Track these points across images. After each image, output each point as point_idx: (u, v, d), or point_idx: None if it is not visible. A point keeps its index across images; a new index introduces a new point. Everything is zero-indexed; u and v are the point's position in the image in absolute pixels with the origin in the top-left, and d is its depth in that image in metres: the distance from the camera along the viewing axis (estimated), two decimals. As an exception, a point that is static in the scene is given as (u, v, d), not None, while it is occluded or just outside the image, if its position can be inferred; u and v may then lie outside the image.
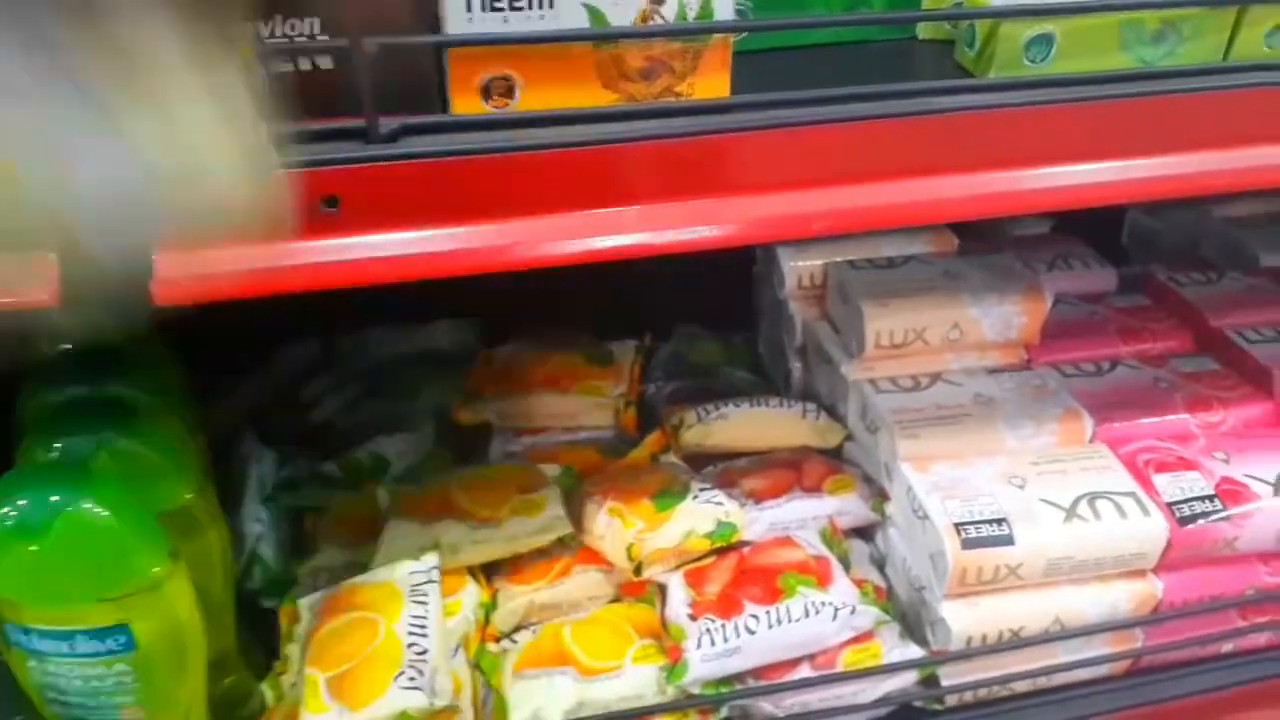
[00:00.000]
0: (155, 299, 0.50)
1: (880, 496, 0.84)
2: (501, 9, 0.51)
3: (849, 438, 0.90)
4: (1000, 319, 0.88)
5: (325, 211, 0.52)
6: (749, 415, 0.89)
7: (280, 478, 0.88)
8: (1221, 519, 0.74)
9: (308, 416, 0.99)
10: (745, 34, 0.59)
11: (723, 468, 0.87)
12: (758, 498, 0.82)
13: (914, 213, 0.59)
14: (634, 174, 0.55)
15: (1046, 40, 0.58)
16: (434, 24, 0.51)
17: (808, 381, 0.98)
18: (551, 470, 0.85)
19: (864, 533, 0.87)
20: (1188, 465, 0.78)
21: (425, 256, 0.53)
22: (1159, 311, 0.96)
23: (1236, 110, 0.61)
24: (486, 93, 0.54)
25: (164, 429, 0.64)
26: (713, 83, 0.56)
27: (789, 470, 0.85)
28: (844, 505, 0.83)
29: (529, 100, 0.54)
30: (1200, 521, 0.74)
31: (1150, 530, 0.73)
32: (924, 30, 0.67)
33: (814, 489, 0.83)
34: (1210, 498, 0.75)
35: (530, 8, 0.51)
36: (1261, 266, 1.01)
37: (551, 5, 0.51)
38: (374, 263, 0.53)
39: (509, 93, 0.54)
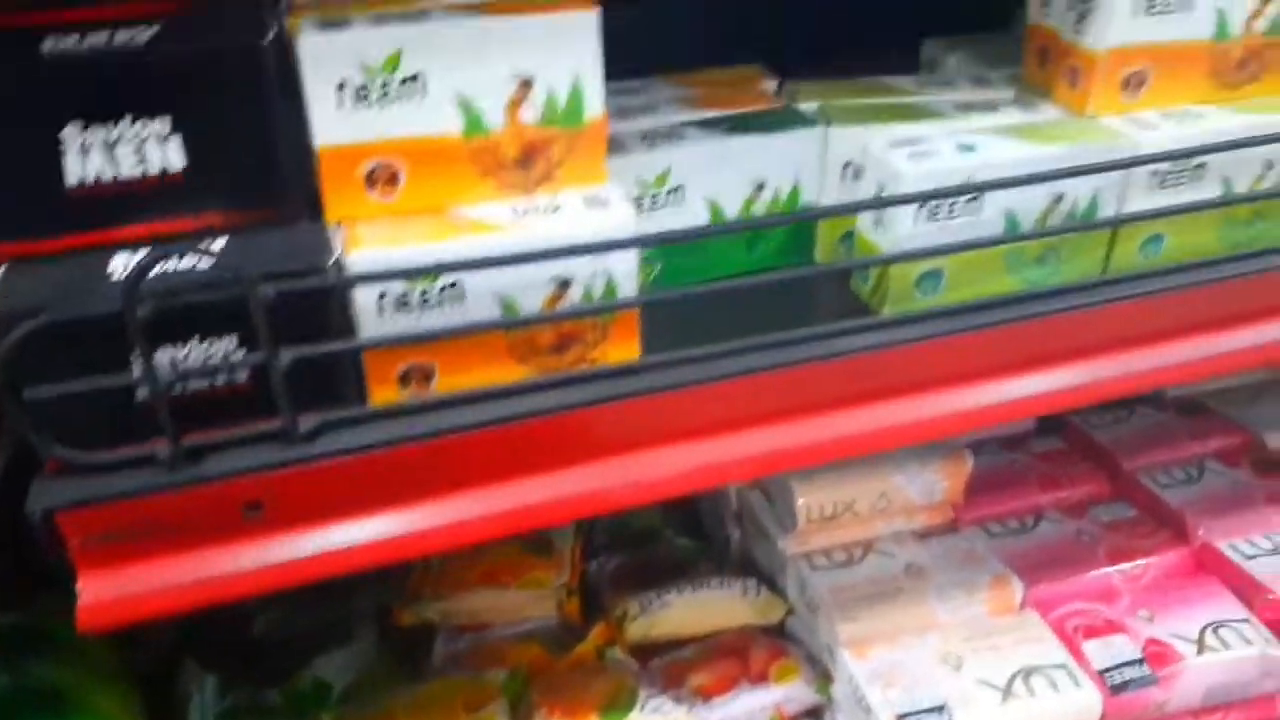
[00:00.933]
0: (80, 625, 0.50)
1: (825, 678, 0.85)
2: (411, 306, 0.53)
3: (790, 612, 0.91)
4: (925, 484, 0.91)
5: (249, 517, 0.52)
6: (691, 601, 0.90)
7: (222, 708, 0.86)
8: (1150, 684, 0.76)
9: (248, 629, 0.98)
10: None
11: (669, 660, 0.87)
12: (706, 694, 0.82)
13: (818, 452, 0.61)
14: (551, 443, 0.56)
15: (936, 275, 0.62)
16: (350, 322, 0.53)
17: (746, 548, 1.00)
18: (498, 676, 0.85)
19: (814, 712, 0.88)
20: (1114, 628, 0.81)
21: (352, 549, 0.54)
22: (1075, 455, 1.00)
23: (1118, 320, 0.64)
24: (405, 380, 0.55)
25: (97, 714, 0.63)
26: (622, 348, 0.58)
27: (735, 659, 0.85)
28: (790, 693, 0.84)
29: (447, 382, 0.55)
30: (1131, 689, 0.76)
31: (1084, 702, 0.75)
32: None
33: (760, 677, 0.84)
34: (1138, 662, 0.77)
35: (441, 304, 0.53)
36: (1169, 399, 1.05)
37: (462, 300, 0.53)
38: (300, 563, 0.53)
39: (427, 379, 0.55)
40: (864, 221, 0.63)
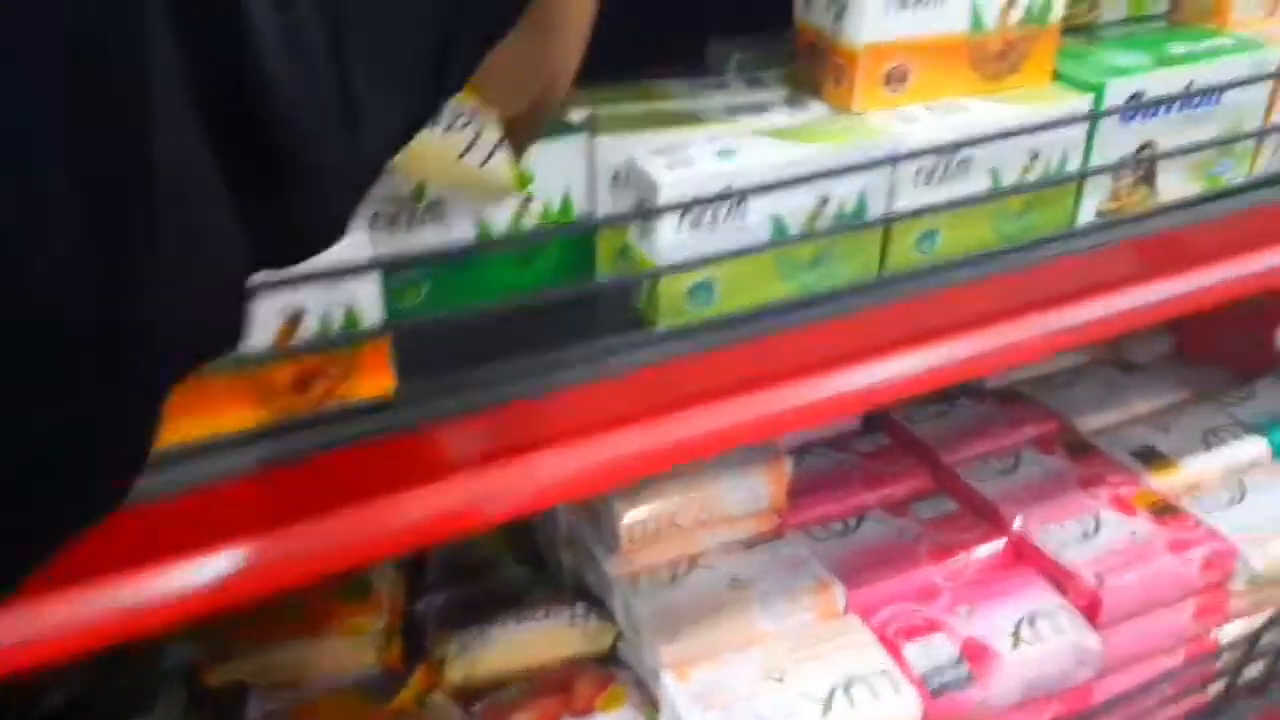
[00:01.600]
0: None
1: (652, 704, 0.82)
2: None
3: (620, 636, 0.88)
4: (746, 491, 0.89)
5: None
6: (515, 634, 0.86)
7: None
8: (969, 684, 0.76)
9: (53, 691, 0.90)
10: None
11: (491, 702, 0.83)
12: (526, 733, 0.79)
13: (592, 479, 0.58)
14: (298, 494, 0.52)
15: (707, 286, 0.60)
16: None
17: (579, 572, 0.97)
18: (310, 736, 0.79)
19: (644, 739, 0.85)
20: (933, 626, 0.80)
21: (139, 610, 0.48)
22: (897, 451, 1.00)
23: (896, 319, 0.64)
24: (120, 434, 0.49)
25: None
26: (374, 381, 0.54)
27: (559, 693, 0.82)
28: (616, 722, 0.81)
29: (172, 433, 0.50)
30: (950, 692, 0.76)
31: (904, 709, 0.74)
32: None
33: (585, 710, 0.81)
34: (956, 662, 0.77)
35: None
36: (987, 389, 1.07)
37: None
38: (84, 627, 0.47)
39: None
40: (633, 234, 0.61)
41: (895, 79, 0.63)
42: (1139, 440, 0.98)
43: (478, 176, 0.51)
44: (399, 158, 0.41)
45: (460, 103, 0.48)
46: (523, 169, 0.56)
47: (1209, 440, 0.97)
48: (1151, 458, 0.95)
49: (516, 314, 0.59)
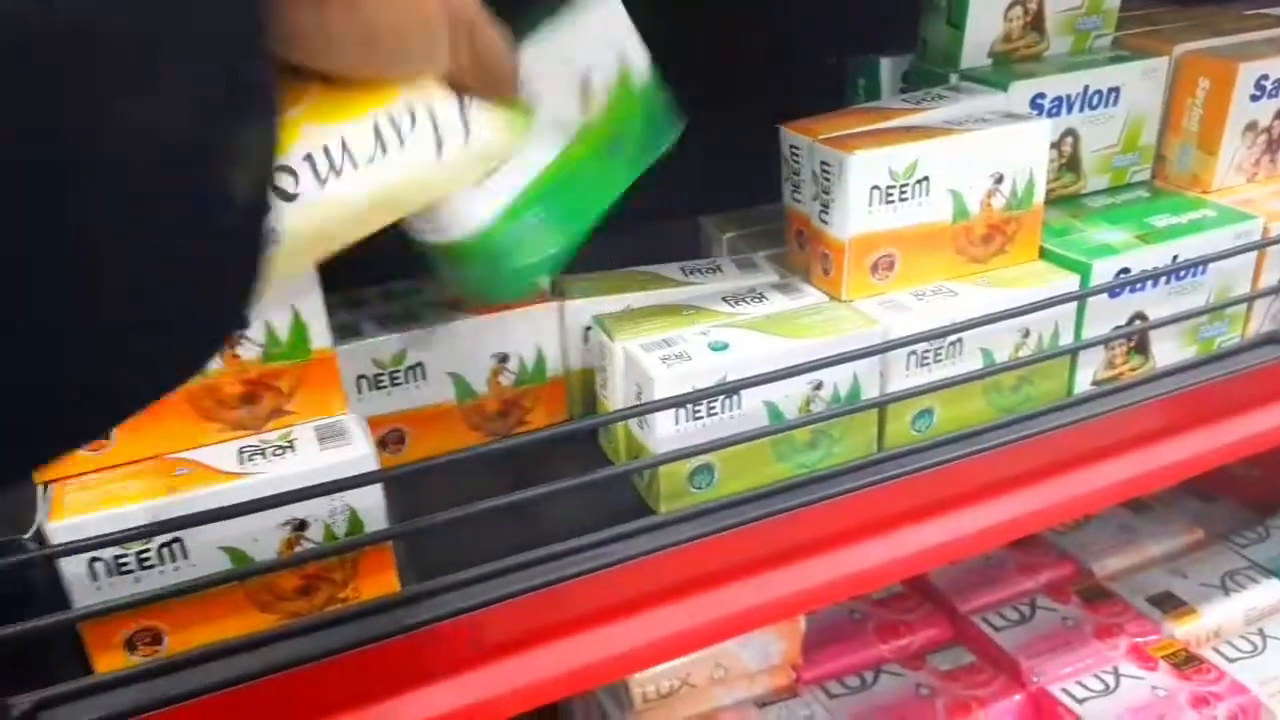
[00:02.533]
0: None
1: None
2: (130, 568, 0.49)
3: (636, 799, 0.87)
4: (760, 647, 0.89)
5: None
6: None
7: None
8: None
9: None
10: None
11: None
12: None
13: (604, 670, 0.58)
14: (310, 694, 0.53)
15: (707, 470, 0.61)
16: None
17: (597, 728, 0.96)
18: None
19: None
20: (952, 793, 0.79)
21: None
22: (913, 599, 0.99)
23: (897, 497, 0.65)
24: (132, 645, 0.51)
25: None
26: (378, 581, 0.55)
27: None
28: None
29: (180, 642, 0.52)
30: None
31: None
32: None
33: None
34: (974, 834, 0.75)
35: (163, 562, 0.50)
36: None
37: (186, 556, 0.50)
38: None
39: (157, 640, 0.51)
40: (631, 421, 0.62)
41: (882, 267, 0.66)
42: (1156, 585, 0.97)
43: (472, 157, 0.44)
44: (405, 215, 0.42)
45: (377, 109, 0.40)
46: (518, 105, 0.47)
47: (1227, 585, 0.96)
48: (1170, 604, 0.94)
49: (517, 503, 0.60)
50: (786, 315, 0.64)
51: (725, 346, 0.60)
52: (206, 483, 0.50)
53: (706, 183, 0.81)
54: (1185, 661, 0.88)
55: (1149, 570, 0.99)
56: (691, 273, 0.72)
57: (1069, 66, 0.75)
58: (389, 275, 0.71)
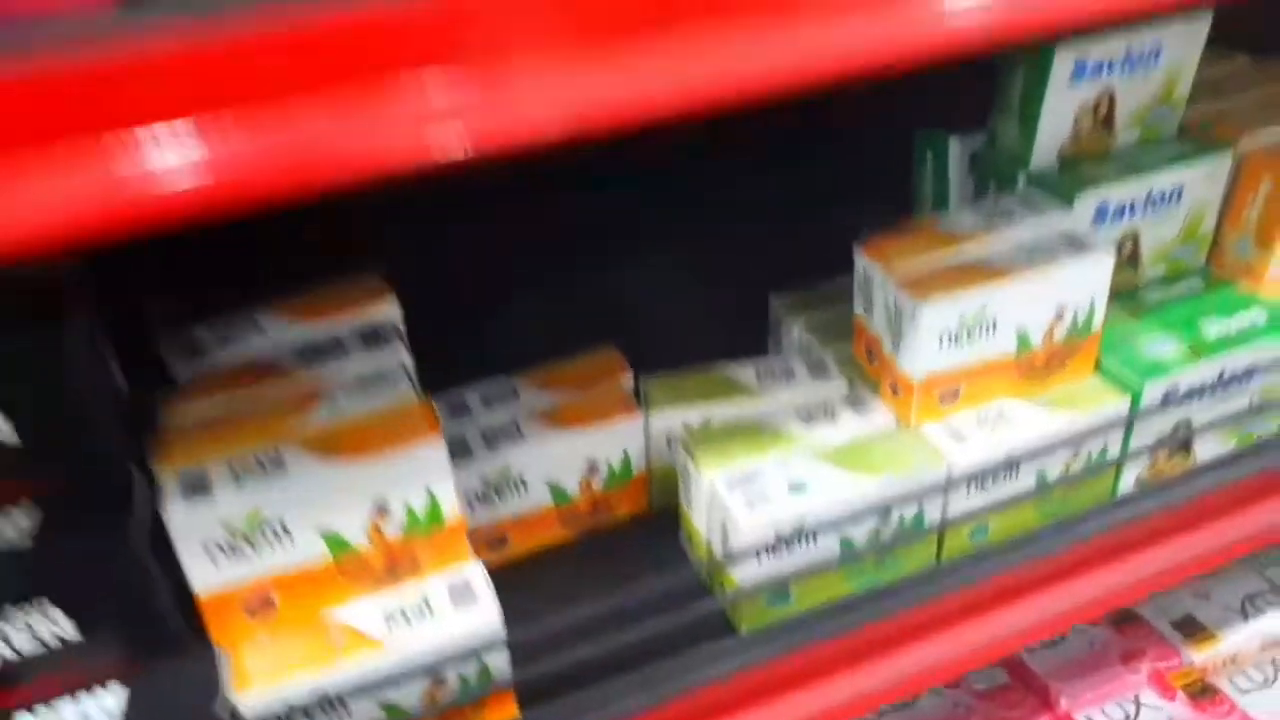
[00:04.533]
0: None
1: None
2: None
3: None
4: None
5: None
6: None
7: None
8: None
9: None
10: None
11: None
12: None
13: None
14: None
15: (784, 593, 0.68)
16: None
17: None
18: None
19: None
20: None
21: None
22: (1015, 691, 0.99)
23: (958, 604, 0.71)
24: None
25: None
26: (501, 713, 0.63)
27: None
28: None
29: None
30: None
31: None
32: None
33: None
34: None
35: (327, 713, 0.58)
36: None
37: (350, 715, 0.58)
38: None
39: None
40: (715, 542, 0.69)
41: (948, 398, 0.71)
42: (1180, 608, 1.04)
43: None
44: None
45: None
46: None
47: (1247, 609, 1.03)
48: (1192, 629, 1.02)
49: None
50: (859, 446, 0.69)
51: (803, 488, 0.66)
52: (361, 648, 0.58)
53: (774, 248, 0.86)
54: (1201, 692, 0.96)
55: (1176, 590, 1.06)
56: (765, 377, 0.77)
57: (1133, 169, 0.77)
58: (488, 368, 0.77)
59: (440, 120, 0.38)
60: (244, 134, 0.35)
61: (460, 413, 0.74)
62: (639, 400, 0.76)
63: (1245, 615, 1.03)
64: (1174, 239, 0.81)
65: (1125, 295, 0.81)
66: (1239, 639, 1.01)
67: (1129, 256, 0.80)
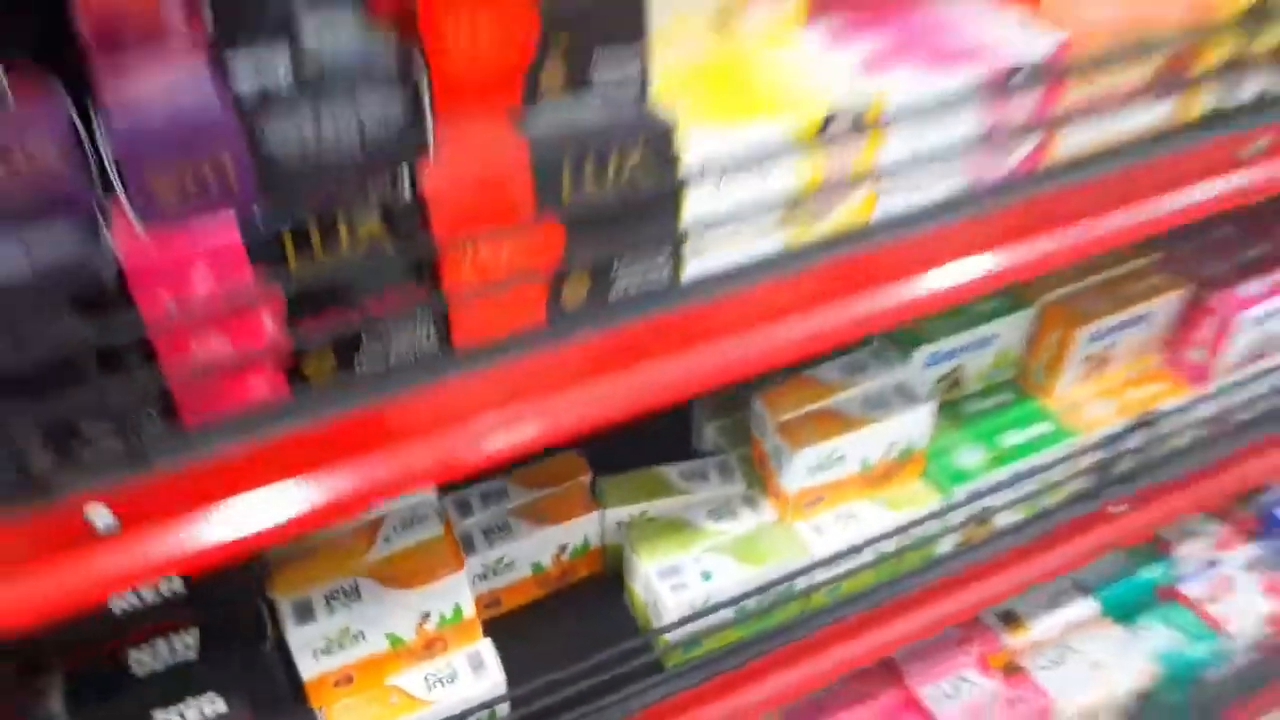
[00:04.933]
0: None
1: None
2: (371, 753, 0.87)
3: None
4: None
5: None
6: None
7: None
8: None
9: None
10: None
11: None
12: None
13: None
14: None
15: (697, 643, 0.98)
16: None
17: None
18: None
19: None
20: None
21: None
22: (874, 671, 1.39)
23: (815, 640, 1.02)
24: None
25: None
26: (503, 732, 0.93)
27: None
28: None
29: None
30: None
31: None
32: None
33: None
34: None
35: (388, 750, 0.87)
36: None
37: (401, 744, 0.87)
38: None
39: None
40: (650, 608, 0.98)
41: (813, 503, 1.00)
42: (1006, 603, 1.38)
43: None
44: None
45: None
46: None
47: (1053, 603, 1.37)
48: (1011, 619, 1.36)
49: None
50: (750, 538, 0.99)
51: (710, 575, 0.95)
52: (414, 707, 0.86)
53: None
54: (1012, 670, 1.30)
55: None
56: (687, 477, 1.05)
57: (959, 324, 1.05)
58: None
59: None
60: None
61: (465, 511, 1.02)
62: (595, 496, 1.04)
63: (1051, 608, 1.37)
64: (989, 366, 1.10)
65: (950, 406, 1.10)
66: (1044, 627, 1.35)
67: (954, 382, 1.09)
